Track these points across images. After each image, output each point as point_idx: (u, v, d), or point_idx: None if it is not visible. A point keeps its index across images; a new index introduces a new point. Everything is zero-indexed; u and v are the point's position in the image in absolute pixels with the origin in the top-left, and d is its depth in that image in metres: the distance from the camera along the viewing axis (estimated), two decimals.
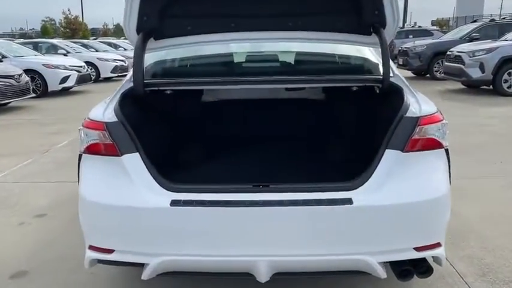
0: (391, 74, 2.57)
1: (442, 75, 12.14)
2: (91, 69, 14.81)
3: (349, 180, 2.14)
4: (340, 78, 2.67)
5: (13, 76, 9.69)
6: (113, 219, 2.15)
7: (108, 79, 16.10)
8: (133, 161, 2.17)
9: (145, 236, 2.12)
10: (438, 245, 2.19)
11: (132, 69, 2.54)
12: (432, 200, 2.13)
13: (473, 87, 11.25)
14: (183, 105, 3.43)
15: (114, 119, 2.24)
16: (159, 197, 2.10)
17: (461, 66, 10.46)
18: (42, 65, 11.97)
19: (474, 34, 13.27)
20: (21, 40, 22.72)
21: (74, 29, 46.84)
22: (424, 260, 2.21)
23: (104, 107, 2.36)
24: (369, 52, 3.07)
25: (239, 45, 3.34)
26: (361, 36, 2.70)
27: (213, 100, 3.61)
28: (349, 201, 2.04)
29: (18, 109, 9.94)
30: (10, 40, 19.18)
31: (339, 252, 2.09)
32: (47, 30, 60.16)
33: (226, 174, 2.77)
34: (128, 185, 2.13)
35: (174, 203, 2.08)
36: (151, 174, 2.16)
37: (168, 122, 3.29)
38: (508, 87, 10.14)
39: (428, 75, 14.01)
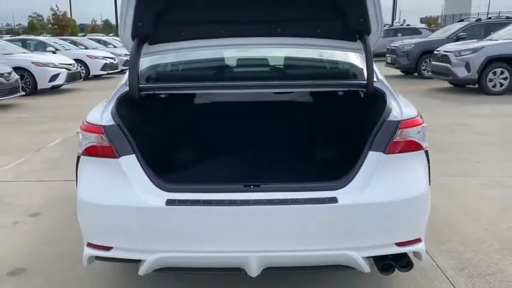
0: (375, 79, 2.71)
1: (430, 74, 12.38)
2: (80, 66, 14.78)
3: (335, 180, 2.28)
4: (327, 83, 2.85)
5: (2, 74, 9.71)
6: (111, 219, 2.26)
7: (98, 77, 16.31)
8: (130, 163, 2.28)
9: (142, 234, 2.23)
10: (418, 240, 2.33)
11: (127, 73, 2.66)
12: (412, 199, 2.27)
13: (459, 86, 11.49)
14: (176, 107, 3.54)
15: (112, 122, 2.35)
16: (155, 197, 2.22)
17: (448, 65, 10.69)
18: (32, 62, 11.95)
19: (460, 33, 13.59)
20: (8, 37, 22.56)
21: (62, 26, 46.46)
22: (405, 255, 2.36)
23: (101, 111, 2.46)
24: (354, 57, 3.21)
25: (230, 50, 3.47)
26: (347, 43, 2.82)
27: (205, 102, 3.73)
28: (334, 200, 2.18)
29: (7, 107, 9.92)
30: None
31: (326, 248, 2.23)
32: (34, 26, 59.54)
33: (219, 175, 2.89)
34: (125, 185, 2.24)
35: (170, 202, 2.20)
36: (147, 175, 2.28)
37: (163, 124, 3.40)
38: (492, 86, 10.38)
39: (416, 73, 14.25)
